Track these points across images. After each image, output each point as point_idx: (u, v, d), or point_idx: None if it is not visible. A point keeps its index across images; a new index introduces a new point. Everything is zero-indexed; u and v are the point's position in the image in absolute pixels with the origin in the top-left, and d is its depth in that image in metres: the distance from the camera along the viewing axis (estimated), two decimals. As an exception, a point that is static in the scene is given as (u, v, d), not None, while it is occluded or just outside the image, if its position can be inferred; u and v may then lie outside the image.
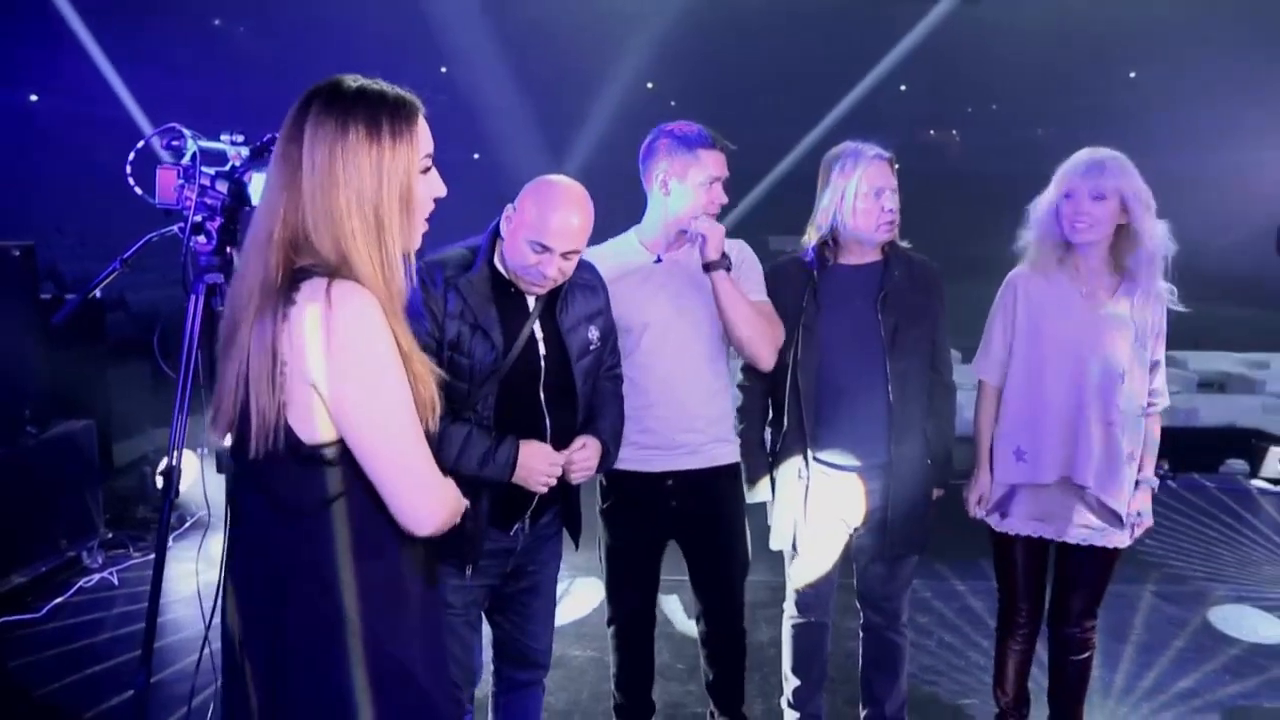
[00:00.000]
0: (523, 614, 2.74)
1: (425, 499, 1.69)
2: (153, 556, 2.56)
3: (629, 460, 2.97)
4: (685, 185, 2.89)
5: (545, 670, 2.86)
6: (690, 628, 3.78)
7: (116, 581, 4.95)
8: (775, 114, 23.29)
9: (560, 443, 2.50)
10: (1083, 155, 2.90)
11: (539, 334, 2.51)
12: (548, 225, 2.37)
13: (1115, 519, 2.97)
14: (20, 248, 4.89)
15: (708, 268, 2.82)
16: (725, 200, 2.95)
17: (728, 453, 3.09)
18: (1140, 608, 4.72)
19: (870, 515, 3.05)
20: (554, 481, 2.45)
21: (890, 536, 3.03)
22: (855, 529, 3.09)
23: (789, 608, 3.29)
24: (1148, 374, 2.98)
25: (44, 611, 4.59)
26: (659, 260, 3.00)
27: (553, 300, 2.53)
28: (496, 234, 2.51)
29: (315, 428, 1.63)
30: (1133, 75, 27.36)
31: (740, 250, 3.04)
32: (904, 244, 3.07)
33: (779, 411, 3.12)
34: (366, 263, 1.64)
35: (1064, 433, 2.96)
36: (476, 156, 24.92)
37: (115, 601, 4.75)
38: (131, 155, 2.62)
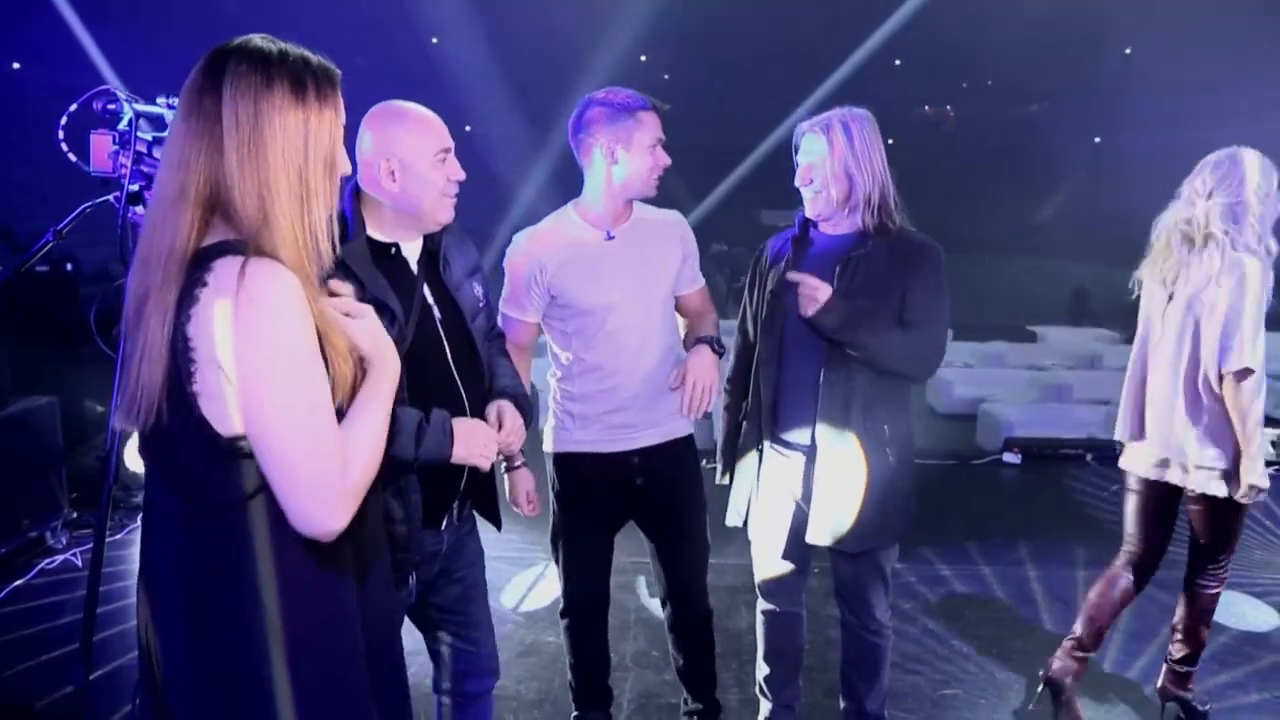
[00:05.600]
0: (463, 623, 2.58)
1: (324, 503, 1.54)
2: (117, 537, 2.46)
3: (595, 442, 2.95)
4: (632, 151, 2.83)
5: (498, 676, 2.71)
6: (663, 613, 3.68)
7: (80, 563, 4.81)
8: (769, 87, 23.09)
9: (477, 414, 2.35)
10: None
11: (429, 297, 2.36)
12: (435, 127, 2.30)
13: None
14: (-25, 218, 4.75)
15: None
16: (669, 161, 2.90)
17: (684, 425, 3.05)
18: (1129, 594, 4.61)
19: (804, 500, 2.90)
20: (494, 456, 2.28)
21: (822, 528, 2.84)
22: (805, 514, 2.93)
23: (758, 594, 3.18)
24: None
25: (3, 594, 4.47)
26: (610, 237, 2.92)
27: (432, 260, 2.40)
28: (355, 200, 2.35)
29: (231, 419, 1.50)
30: (1128, 52, 27.17)
31: (684, 229, 3.06)
32: (895, 224, 2.85)
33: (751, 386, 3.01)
34: (289, 227, 1.55)
35: None
36: (469, 129, 24.74)
37: (77, 584, 4.60)
38: (64, 119, 2.47)
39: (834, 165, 2.76)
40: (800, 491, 2.91)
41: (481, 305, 2.49)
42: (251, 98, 1.52)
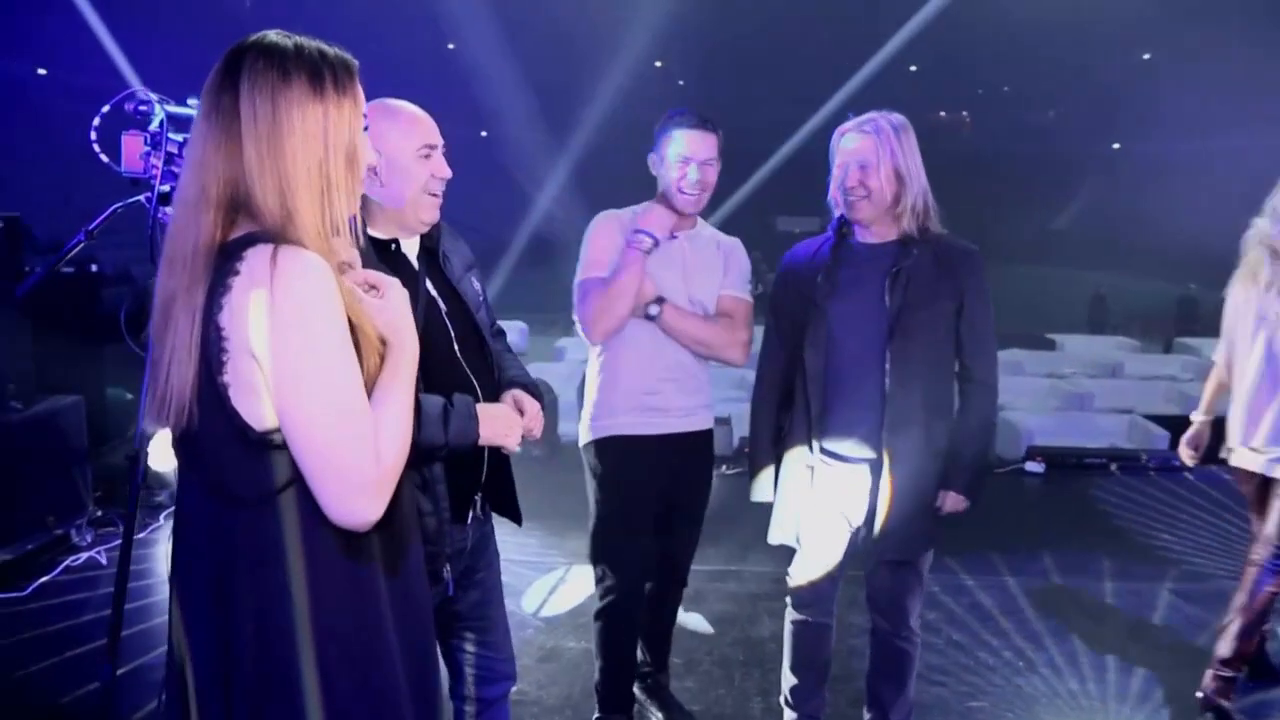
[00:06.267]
0: (483, 628, 2.55)
1: (358, 492, 1.52)
2: (140, 535, 2.47)
3: (637, 425, 3.12)
4: (665, 165, 3.06)
5: (515, 679, 2.69)
6: (686, 619, 3.69)
7: (104, 561, 4.83)
8: (784, 94, 23.06)
9: (490, 403, 2.32)
10: None
11: (433, 290, 2.37)
12: (421, 124, 2.30)
13: None
14: (3, 218, 4.75)
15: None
16: (699, 177, 3.03)
17: (710, 418, 3.28)
18: (1158, 606, 4.58)
19: (867, 514, 2.88)
20: (519, 438, 2.26)
21: (881, 540, 2.86)
22: (857, 527, 2.93)
23: (789, 604, 3.15)
24: None
25: (29, 590, 4.48)
26: (674, 237, 3.10)
27: (431, 256, 2.41)
28: None
29: (263, 410, 1.49)
30: (1146, 58, 27.01)
31: (733, 248, 3.24)
32: (934, 229, 2.84)
33: (792, 395, 2.97)
34: (311, 221, 1.53)
35: None
36: (484, 134, 24.79)
37: (101, 581, 4.62)
38: (96, 120, 2.47)
39: (885, 167, 2.74)
40: (853, 504, 2.89)
41: (481, 299, 2.51)
42: (269, 93, 1.51)
